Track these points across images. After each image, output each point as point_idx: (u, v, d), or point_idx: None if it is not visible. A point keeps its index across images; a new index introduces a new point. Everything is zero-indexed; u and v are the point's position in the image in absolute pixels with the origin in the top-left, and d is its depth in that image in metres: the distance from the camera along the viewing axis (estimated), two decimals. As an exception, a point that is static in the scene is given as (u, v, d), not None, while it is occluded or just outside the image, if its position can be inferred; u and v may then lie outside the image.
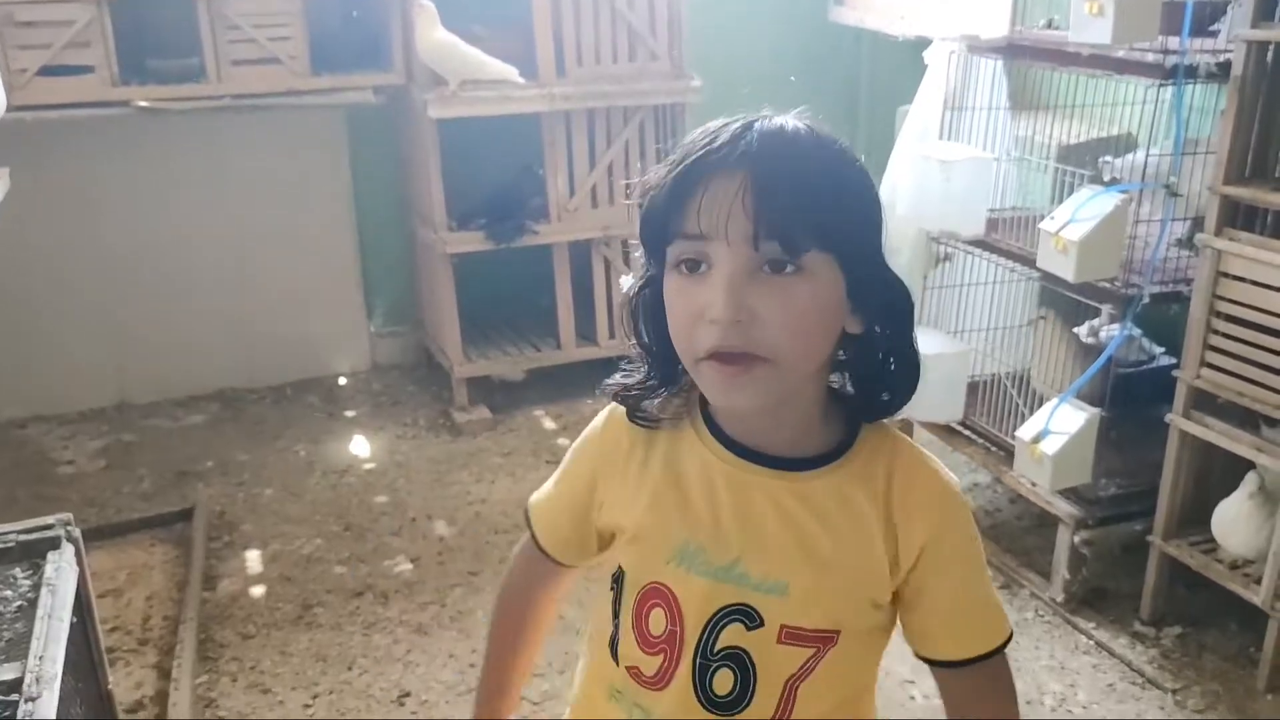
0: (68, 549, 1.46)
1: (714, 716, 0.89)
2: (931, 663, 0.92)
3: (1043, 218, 2.21)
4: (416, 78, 2.96)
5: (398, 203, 3.41)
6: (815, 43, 3.73)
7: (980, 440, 2.52)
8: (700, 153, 0.79)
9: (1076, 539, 2.18)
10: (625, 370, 0.93)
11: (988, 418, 2.50)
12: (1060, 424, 2.15)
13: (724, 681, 0.88)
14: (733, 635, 0.87)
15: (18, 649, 1.28)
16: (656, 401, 0.90)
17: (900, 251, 2.87)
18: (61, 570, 1.41)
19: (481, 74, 2.90)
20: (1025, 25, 2.41)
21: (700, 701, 0.88)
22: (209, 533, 2.59)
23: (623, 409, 0.92)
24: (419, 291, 3.47)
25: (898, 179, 2.70)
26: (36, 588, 1.39)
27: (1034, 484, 2.26)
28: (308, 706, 2.03)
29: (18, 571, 1.44)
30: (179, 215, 3.19)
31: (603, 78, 3.10)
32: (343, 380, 3.46)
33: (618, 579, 0.93)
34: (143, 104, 2.71)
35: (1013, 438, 2.30)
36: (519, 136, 3.11)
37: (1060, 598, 2.24)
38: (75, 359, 3.19)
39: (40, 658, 1.24)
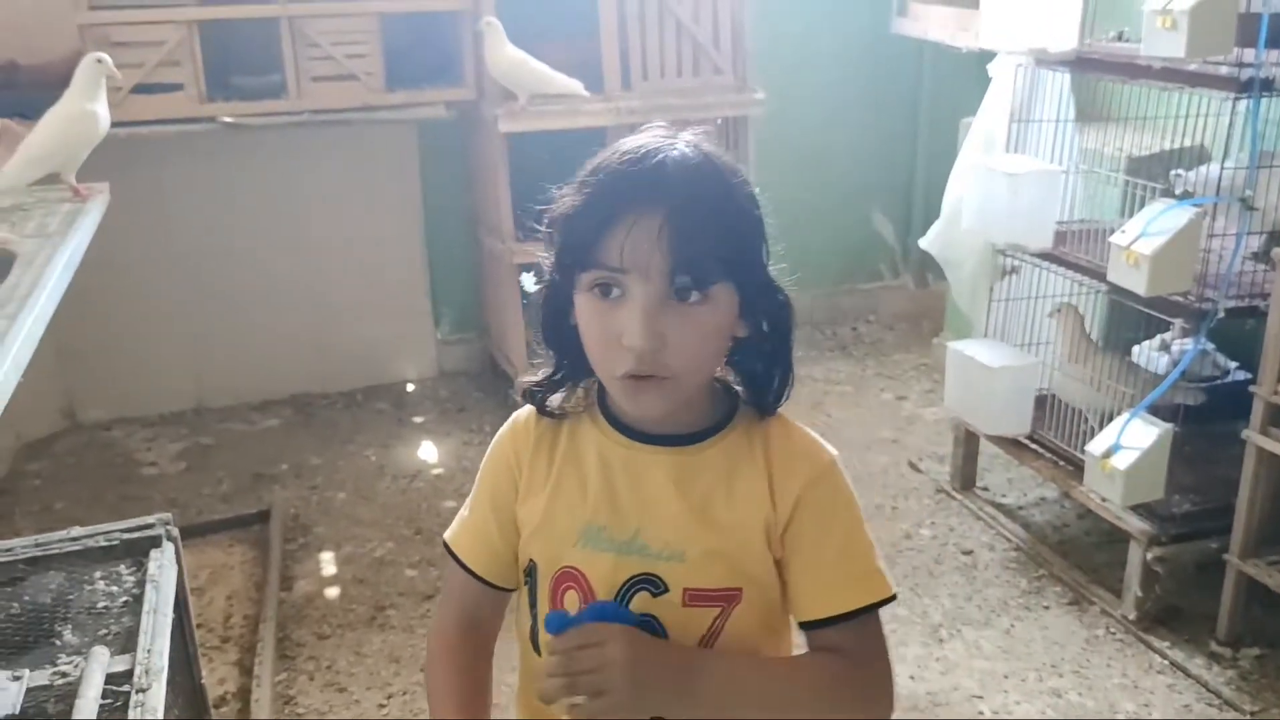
0: (168, 547, 1.54)
1: None
2: (808, 627, 0.94)
3: (1112, 230, 2.20)
4: (486, 93, 3.03)
5: (465, 213, 3.48)
6: (877, 54, 3.74)
7: (1048, 454, 2.50)
8: (620, 189, 0.86)
9: (1149, 556, 2.16)
10: (534, 367, 1.00)
11: (1056, 431, 2.49)
12: (1132, 439, 2.14)
13: None
14: (641, 603, 0.93)
15: (126, 642, 1.35)
16: (562, 395, 0.98)
17: (964, 264, 2.87)
18: (164, 568, 1.48)
19: (549, 88, 2.95)
20: (1094, 38, 2.41)
21: None
22: (284, 534, 2.67)
23: (525, 415, 1.00)
24: (485, 300, 3.53)
25: (963, 191, 2.70)
26: (140, 584, 1.47)
27: (1104, 499, 2.24)
28: (382, 706, 2.09)
29: (122, 568, 1.52)
30: (257, 226, 3.29)
31: (667, 91, 3.14)
32: (411, 386, 3.53)
33: (530, 572, 0.98)
34: (227, 119, 2.81)
35: (1082, 452, 2.28)
36: (585, 149, 3.16)
37: (1133, 615, 2.22)
38: (157, 363, 3.30)
39: (149, 651, 1.31)
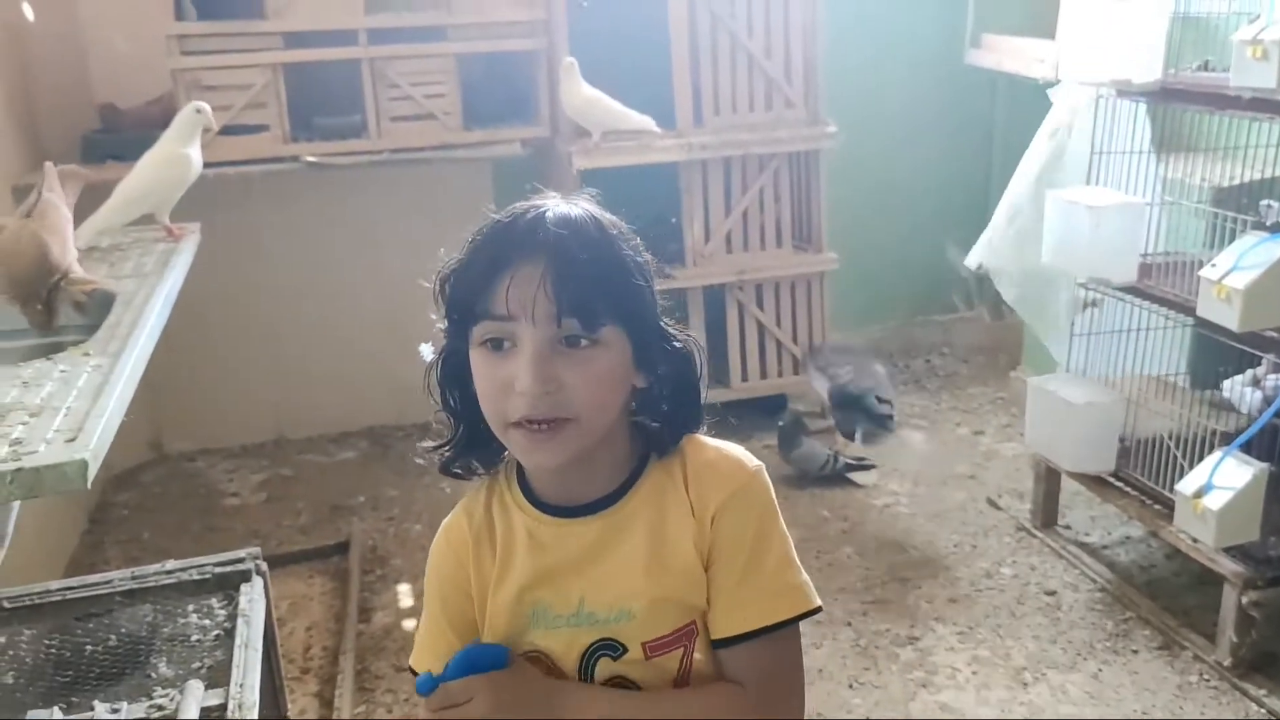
0: (258, 582, 1.57)
1: None
2: (719, 646, 0.93)
3: (1199, 263, 2.14)
4: (561, 130, 3.08)
5: (537, 249, 3.51)
6: (950, 86, 3.71)
7: (1134, 492, 2.43)
8: (502, 242, 0.89)
9: (1245, 600, 2.08)
10: (437, 435, 1.00)
11: (1142, 469, 2.42)
12: (1225, 478, 2.07)
13: None
14: (606, 668, 0.94)
15: (218, 675, 1.38)
16: (466, 460, 0.99)
17: (1011, 273, 2.83)
18: (254, 602, 1.51)
19: (623, 125, 2.99)
20: (1179, 68, 2.36)
21: None
22: (362, 566, 2.70)
23: (454, 522, 1.01)
24: (556, 334, 3.56)
25: (1043, 219, 2.65)
26: (231, 617, 1.50)
27: (1195, 540, 2.17)
28: (459, 739, 2.09)
29: (214, 601, 1.55)
30: (336, 262, 3.37)
31: (739, 126, 3.16)
32: (483, 419, 3.56)
33: None
34: (310, 159, 2.89)
35: (1170, 490, 2.22)
36: (657, 184, 3.18)
37: (1227, 661, 2.14)
38: (239, 396, 3.39)
39: (241, 685, 1.33)
